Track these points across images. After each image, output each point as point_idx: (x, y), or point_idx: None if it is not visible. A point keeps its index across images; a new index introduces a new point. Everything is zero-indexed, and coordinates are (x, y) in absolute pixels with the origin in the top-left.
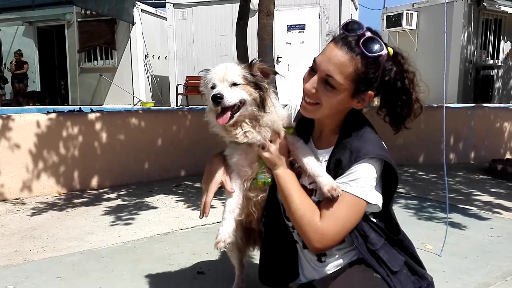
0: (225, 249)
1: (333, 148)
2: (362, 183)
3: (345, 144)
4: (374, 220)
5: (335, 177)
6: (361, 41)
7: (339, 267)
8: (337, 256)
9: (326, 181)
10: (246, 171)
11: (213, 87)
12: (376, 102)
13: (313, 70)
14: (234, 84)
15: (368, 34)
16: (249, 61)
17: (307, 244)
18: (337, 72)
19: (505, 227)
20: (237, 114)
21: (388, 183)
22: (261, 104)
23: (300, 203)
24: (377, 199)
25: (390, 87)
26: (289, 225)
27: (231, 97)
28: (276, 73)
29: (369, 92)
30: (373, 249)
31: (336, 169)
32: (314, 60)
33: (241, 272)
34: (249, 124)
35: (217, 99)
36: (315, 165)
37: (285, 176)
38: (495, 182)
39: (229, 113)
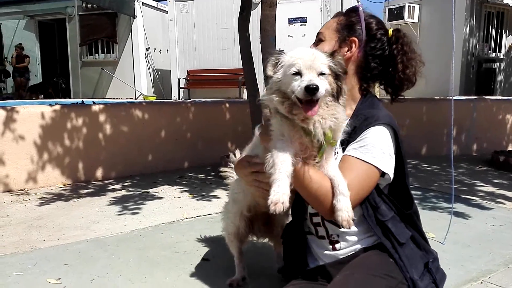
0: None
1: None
2: (373, 149)
3: (359, 113)
4: (386, 193)
5: (349, 143)
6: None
7: (353, 252)
8: (352, 242)
9: (342, 207)
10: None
11: (297, 74)
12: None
13: None
14: (321, 74)
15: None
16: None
17: (320, 211)
18: (325, 28)
19: (507, 216)
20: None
21: (396, 155)
22: (336, 95)
23: (314, 178)
24: (389, 167)
25: (378, 54)
26: (310, 211)
27: (322, 88)
28: (346, 72)
29: (353, 38)
30: (382, 220)
31: (349, 136)
32: None
33: (241, 260)
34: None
35: (314, 90)
36: (342, 181)
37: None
38: (498, 174)
39: (318, 105)
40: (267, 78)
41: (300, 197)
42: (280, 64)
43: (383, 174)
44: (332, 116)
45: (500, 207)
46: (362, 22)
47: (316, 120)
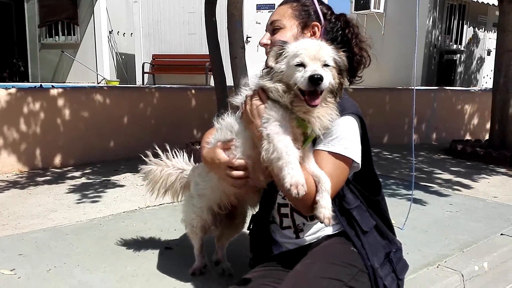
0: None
1: None
2: (343, 140)
3: None
4: (352, 181)
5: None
6: None
7: (315, 240)
8: (316, 230)
9: (326, 204)
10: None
11: (300, 65)
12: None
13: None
14: (325, 65)
15: None
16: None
17: (300, 208)
18: (279, 16)
19: (463, 203)
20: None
21: (363, 143)
22: (336, 92)
23: None
24: (359, 157)
25: (335, 37)
26: (279, 201)
27: (327, 80)
28: (347, 69)
29: (314, 22)
30: (347, 208)
31: None
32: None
33: (201, 251)
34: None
35: (318, 80)
36: (326, 179)
37: None
38: (455, 162)
39: (320, 98)
40: (269, 69)
41: (270, 187)
42: (284, 54)
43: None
44: (329, 116)
45: (457, 194)
46: (317, 6)
47: (315, 116)
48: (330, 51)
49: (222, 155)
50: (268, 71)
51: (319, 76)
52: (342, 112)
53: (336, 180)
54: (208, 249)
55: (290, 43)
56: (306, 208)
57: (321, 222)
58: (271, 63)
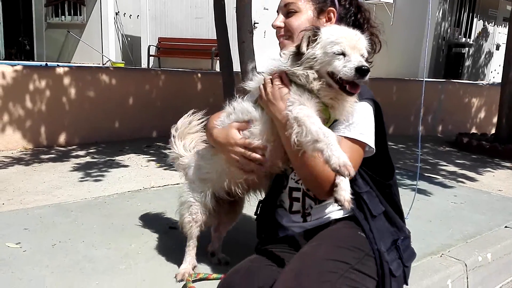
0: None
1: None
2: (359, 126)
3: None
4: (363, 168)
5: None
6: None
7: (322, 224)
8: (324, 214)
9: (346, 187)
10: None
11: (340, 53)
12: None
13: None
14: (362, 56)
15: None
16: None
17: (317, 192)
18: None
19: (468, 195)
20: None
21: (378, 127)
22: None
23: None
24: (373, 142)
25: (348, 23)
26: (291, 185)
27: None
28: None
29: (330, 8)
30: (358, 191)
31: None
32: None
33: (194, 247)
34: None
35: (366, 72)
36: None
37: None
38: (461, 154)
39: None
40: (297, 54)
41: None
42: (317, 41)
43: None
44: (352, 102)
45: (461, 186)
46: None
47: (341, 103)
48: (365, 42)
49: (238, 135)
50: (296, 56)
51: (366, 68)
52: (360, 96)
53: (353, 164)
54: (204, 239)
55: (323, 29)
56: (325, 192)
57: (341, 205)
58: (304, 49)
